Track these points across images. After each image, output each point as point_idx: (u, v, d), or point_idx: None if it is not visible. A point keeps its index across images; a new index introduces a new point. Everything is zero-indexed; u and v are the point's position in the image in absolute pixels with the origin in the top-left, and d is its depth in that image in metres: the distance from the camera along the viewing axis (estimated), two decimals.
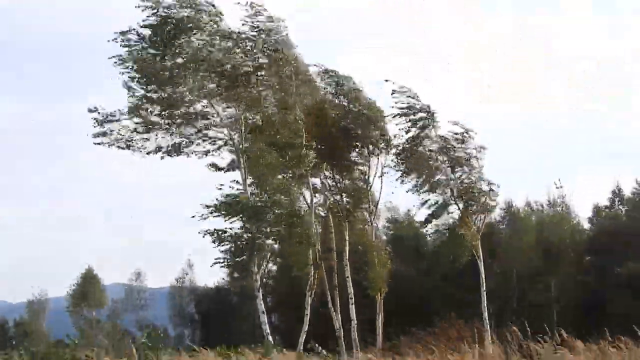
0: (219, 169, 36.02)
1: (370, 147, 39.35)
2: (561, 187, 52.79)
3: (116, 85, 34.50)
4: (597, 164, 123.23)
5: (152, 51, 34.14)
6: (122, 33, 33.35)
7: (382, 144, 39.21)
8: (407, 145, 38.88)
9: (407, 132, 38.76)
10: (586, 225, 52.97)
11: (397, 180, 39.32)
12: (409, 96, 38.35)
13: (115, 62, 33.77)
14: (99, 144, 34.40)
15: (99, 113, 34.20)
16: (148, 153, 35.20)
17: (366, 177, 39.72)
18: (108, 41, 33.55)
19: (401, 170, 39.27)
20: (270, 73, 35.20)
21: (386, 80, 38.40)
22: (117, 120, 34.34)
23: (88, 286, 64.17)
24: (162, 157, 35.61)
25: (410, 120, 38.60)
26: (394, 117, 38.46)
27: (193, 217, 34.36)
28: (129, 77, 33.84)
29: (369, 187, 39.72)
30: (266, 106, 35.36)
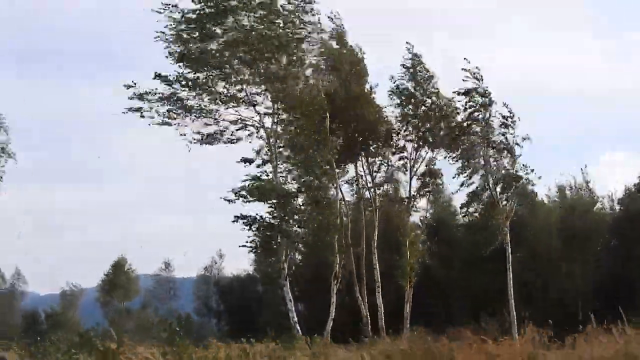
0: (248, 161, 35.95)
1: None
2: (587, 173, 52.68)
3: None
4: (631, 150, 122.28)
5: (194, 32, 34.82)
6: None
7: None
8: (465, 124, 38.75)
9: (464, 111, 38.80)
10: (614, 207, 52.51)
11: (446, 159, 39.62)
12: (476, 77, 38.07)
13: (158, 38, 34.34)
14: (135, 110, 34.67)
15: (135, 86, 34.48)
16: (182, 134, 35.56)
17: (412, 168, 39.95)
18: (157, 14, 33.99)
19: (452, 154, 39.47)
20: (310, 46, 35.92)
21: (465, 59, 38.26)
22: (154, 96, 34.88)
23: (119, 277, 64.30)
24: (199, 143, 35.92)
25: (471, 100, 38.46)
26: (458, 94, 38.59)
27: (221, 198, 34.80)
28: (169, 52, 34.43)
29: (410, 178, 39.94)
30: (297, 85, 35.80)
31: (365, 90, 39.44)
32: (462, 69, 37.66)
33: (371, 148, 39.62)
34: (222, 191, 34.45)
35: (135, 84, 34.26)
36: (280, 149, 36.07)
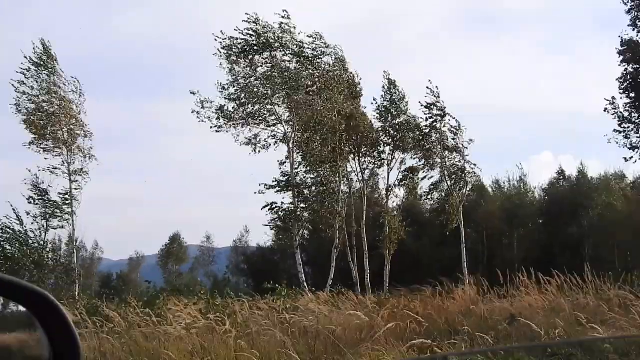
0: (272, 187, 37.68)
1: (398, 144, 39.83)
2: (523, 168, 53.35)
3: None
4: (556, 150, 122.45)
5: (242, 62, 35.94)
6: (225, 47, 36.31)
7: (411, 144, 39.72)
8: (426, 131, 39.02)
9: (426, 120, 39.34)
10: (540, 195, 52.82)
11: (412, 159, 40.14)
12: (435, 95, 38.77)
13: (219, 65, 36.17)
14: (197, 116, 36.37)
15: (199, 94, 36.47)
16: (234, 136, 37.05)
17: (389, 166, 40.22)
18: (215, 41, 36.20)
19: (419, 156, 39.67)
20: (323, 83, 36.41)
21: (429, 80, 39.55)
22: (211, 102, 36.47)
23: (173, 246, 64.73)
24: (241, 144, 37.30)
25: (430, 114, 38.91)
26: (422, 106, 39.20)
27: (255, 193, 36.11)
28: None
29: (388, 174, 40.06)
30: (316, 108, 36.54)
31: (360, 108, 39.65)
32: (426, 87, 38.25)
33: (362, 151, 40.03)
34: (251, 184, 35.76)
35: (198, 91, 35.93)
36: (298, 154, 37.43)
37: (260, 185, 36.90)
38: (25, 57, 34.67)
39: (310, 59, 37.32)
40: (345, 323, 15.66)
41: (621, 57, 34.00)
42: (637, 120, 33.92)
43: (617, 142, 34.33)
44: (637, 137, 33.85)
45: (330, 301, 22.19)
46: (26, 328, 2.50)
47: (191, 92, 36.24)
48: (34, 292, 2.30)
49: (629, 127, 33.92)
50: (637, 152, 34.13)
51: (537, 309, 16.94)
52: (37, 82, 35.12)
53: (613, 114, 34.11)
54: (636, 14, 33.42)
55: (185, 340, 14.50)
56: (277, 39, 36.43)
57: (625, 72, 34.09)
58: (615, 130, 34.07)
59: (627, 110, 33.98)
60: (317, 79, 37.43)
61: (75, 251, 37.63)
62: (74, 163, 35.58)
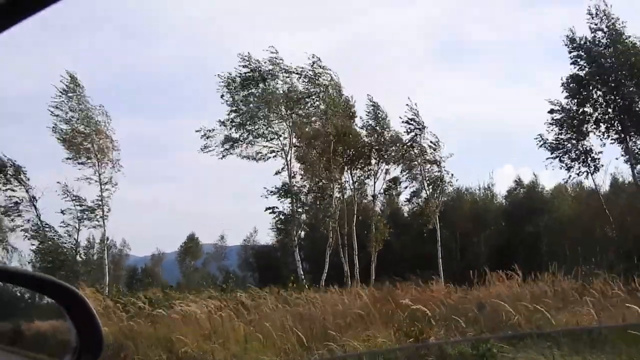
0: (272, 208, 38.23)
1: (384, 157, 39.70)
2: (492, 177, 53.76)
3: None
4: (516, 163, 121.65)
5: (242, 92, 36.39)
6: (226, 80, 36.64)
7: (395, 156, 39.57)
8: (407, 144, 38.55)
9: (407, 134, 38.78)
10: (503, 201, 52.84)
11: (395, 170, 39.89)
12: (414, 112, 38.11)
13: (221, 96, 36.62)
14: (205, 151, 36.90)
15: (203, 130, 36.81)
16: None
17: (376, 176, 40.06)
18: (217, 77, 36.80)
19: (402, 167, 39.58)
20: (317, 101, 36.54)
21: (408, 98, 39.27)
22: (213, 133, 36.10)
23: (190, 244, 64.77)
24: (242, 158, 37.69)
25: (410, 128, 38.40)
26: (402, 122, 38.49)
27: (261, 196, 37.40)
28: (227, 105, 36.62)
29: (374, 183, 40.00)
30: (310, 123, 36.77)
31: (353, 127, 39.51)
32: (406, 104, 38.04)
33: (355, 164, 39.98)
34: (256, 190, 36.06)
35: (203, 128, 36.05)
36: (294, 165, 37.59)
37: (265, 189, 37.38)
38: (56, 87, 35.92)
39: (310, 78, 37.33)
40: (341, 310, 15.60)
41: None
42: (569, 148, 34.13)
43: (553, 167, 34.87)
44: (569, 159, 34.10)
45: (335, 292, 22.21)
46: (58, 317, 2.51)
47: (196, 131, 36.83)
48: (63, 288, 2.34)
49: (561, 154, 34.28)
50: (572, 171, 34.50)
51: (502, 297, 16.86)
52: (69, 107, 36.37)
53: (543, 146, 34.47)
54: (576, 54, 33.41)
55: (200, 324, 14.42)
56: (268, 71, 36.62)
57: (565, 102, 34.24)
58: (548, 158, 34.50)
59: (556, 141, 34.32)
60: (314, 97, 37.46)
61: (105, 248, 38.25)
62: (104, 173, 36.61)
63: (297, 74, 36.56)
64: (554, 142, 34.01)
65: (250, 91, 36.52)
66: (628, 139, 32.73)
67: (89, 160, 36.17)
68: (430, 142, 38.42)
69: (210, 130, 36.53)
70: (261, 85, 36.49)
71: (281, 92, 36.76)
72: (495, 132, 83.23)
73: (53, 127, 35.90)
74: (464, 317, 14.24)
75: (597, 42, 32.49)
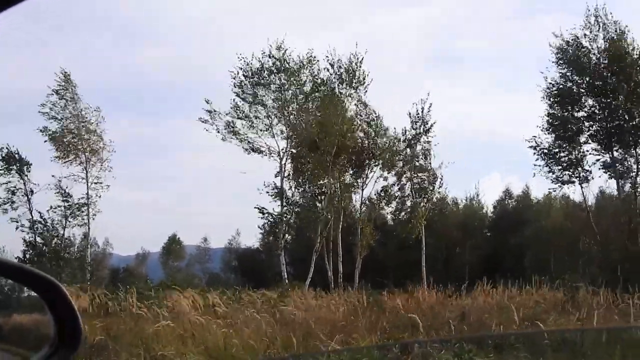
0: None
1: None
2: (478, 187, 53.90)
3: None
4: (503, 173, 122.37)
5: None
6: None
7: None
8: (403, 147, 38.48)
9: (410, 131, 38.53)
10: (491, 211, 53.03)
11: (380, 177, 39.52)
12: (422, 111, 37.92)
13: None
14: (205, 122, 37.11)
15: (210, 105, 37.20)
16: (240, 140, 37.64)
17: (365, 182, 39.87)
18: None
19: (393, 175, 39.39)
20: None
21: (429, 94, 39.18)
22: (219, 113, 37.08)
23: (173, 246, 64.55)
24: (246, 151, 37.82)
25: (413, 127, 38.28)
26: (409, 116, 38.24)
27: (258, 189, 37.64)
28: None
29: (362, 190, 39.79)
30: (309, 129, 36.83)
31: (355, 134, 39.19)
32: (414, 103, 37.73)
33: (349, 171, 39.80)
34: (244, 194, 36.12)
35: (209, 101, 36.38)
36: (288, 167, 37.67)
37: (264, 185, 37.49)
38: (49, 86, 35.82)
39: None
40: (327, 315, 15.54)
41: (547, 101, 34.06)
42: (561, 156, 34.01)
43: (542, 175, 34.52)
44: (559, 171, 33.98)
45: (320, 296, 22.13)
46: (39, 311, 2.48)
47: (206, 101, 36.97)
48: (43, 278, 2.31)
49: (552, 162, 34.07)
50: (561, 179, 34.27)
51: (485, 307, 16.90)
52: (60, 106, 36.36)
53: (538, 152, 34.17)
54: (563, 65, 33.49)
55: (179, 328, 14.30)
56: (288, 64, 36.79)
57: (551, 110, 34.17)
58: (537, 165, 34.19)
59: (550, 148, 34.10)
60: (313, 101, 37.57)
61: (88, 246, 38.29)
62: (91, 172, 36.72)
63: (329, 65, 36.79)
64: (545, 148, 33.82)
65: (265, 80, 36.73)
66: (613, 151, 32.88)
67: (77, 158, 36.33)
68: (423, 148, 38.27)
69: (217, 112, 36.91)
70: (279, 76, 36.69)
71: (294, 89, 37.04)
72: (481, 140, 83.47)
73: (43, 127, 35.92)
74: (447, 325, 14.24)
75: (589, 49, 32.51)
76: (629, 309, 15.16)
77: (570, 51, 32.70)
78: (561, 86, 33.31)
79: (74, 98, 36.46)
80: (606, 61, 31.97)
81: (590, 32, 32.33)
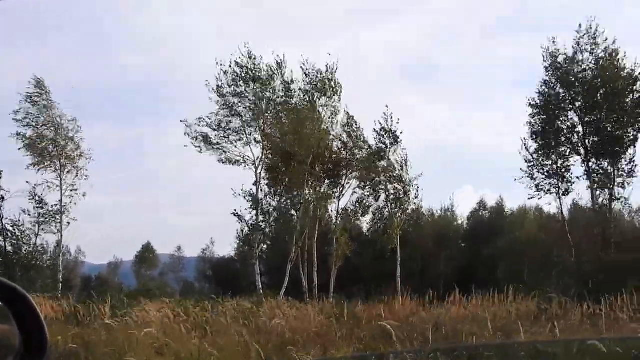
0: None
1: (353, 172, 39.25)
2: (452, 199, 54.10)
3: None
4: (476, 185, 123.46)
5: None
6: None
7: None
8: (374, 158, 38.29)
9: (377, 144, 38.41)
10: (466, 222, 53.32)
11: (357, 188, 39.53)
12: (387, 122, 37.88)
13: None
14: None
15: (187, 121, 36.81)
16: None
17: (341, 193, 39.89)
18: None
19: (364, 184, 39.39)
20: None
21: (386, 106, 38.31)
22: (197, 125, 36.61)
23: (146, 254, 64.10)
24: (221, 162, 37.52)
25: (380, 139, 38.16)
26: (375, 131, 38.16)
27: (234, 193, 37.04)
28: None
29: (339, 200, 39.74)
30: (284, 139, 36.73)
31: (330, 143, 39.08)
32: (383, 113, 37.75)
33: (325, 182, 39.66)
34: (220, 203, 35.88)
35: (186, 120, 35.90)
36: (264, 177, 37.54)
37: (241, 190, 37.28)
38: (20, 94, 35.56)
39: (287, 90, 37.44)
40: (302, 325, 15.47)
41: (533, 110, 34.35)
42: (545, 163, 34.27)
43: (523, 183, 34.61)
44: (542, 178, 34.21)
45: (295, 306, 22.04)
46: (5, 320, 2.38)
47: (181, 121, 36.85)
48: (7, 287, 2.27)
49: (536, 168, 34.27)
50: (541, 192, 34.46)
51: (460, 318, 16.93)
52: (35, 113, 35.99)
53: (524, 155, 34.40)
54: (551, 73, 33.88)
55: (152, 338, 14.15)
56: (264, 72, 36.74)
57: (534, 120, 34.45)
58: (522, 170, 34.33)
59: (535, 153, 34.35)
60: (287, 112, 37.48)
61: (61, 255, 37.78)
62: (66, 179, 36.28)
63: (304, 74, 36.79)
64: (531, 154, 34.03)
65: (239, 90, 36.60)
66: (589, 162, 33.24)
67: (52, 165, 35.97)
68: (400, 158, 38.23)
69: (193, 124, 36.66)
70: (253, 85, 36.56)
71: (268, 97, 36.92)
72: (455, 152, 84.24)
73: (17, 134, 35.54)
74: (421, 336, 14.23)
75: (578, 61, 32.92)
76: (601, 320, 15.30)
77: (561, 62, 33.15)
78: (547, 96, 33.70)
79: (48, 105, 36.15)
80: (597, 80, 32.36)
81: (580, 48, 32.85)
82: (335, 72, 37.15)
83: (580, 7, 77.30)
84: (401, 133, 37.61)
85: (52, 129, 36.27)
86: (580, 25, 32.74)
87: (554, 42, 33.31)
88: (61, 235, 36.33)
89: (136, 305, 19.85)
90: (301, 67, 37.01)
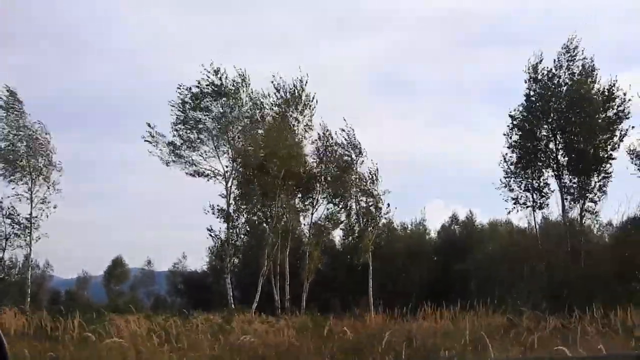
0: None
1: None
2: (424, 213, 54.47)
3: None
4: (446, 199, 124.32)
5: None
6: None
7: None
8: (339, 172, 38.45)
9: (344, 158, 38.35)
10: (436, 236, 53.61)
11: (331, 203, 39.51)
12: (350, 135, 38.05)
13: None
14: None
15: (153, 129, 36.34)
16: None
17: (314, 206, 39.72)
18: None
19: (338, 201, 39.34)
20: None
21: (344, 119, 38.42)
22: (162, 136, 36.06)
23: (116, 268, 63.50)
24: (190, 176, 37.11)
25: (345, 153, 38.17)
26: (338, 145, 38.29)
27: (204, 210, 36.97)
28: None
29: (312, 214, 39.61)
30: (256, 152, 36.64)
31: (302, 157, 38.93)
32: (341, 129, 37.90)
33: (297, 196, 39.53)
34: (191, 216, 35.77)
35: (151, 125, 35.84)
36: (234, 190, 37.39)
37: (209, 206, 37.06)
38: None
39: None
40: (273, 339, 15.45)
41: (512, 123, 34.65)
42: (524, 177, 34.55)
43: (502, 195, 34.85)
44: (520, 191, 34.53)
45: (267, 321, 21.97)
46: None
47: (147, 124, 36.26)
48: None
49: (515, 180, 34.55)
50: (518, 205, 34.74)
51: (431, 331, 17.03)
52: (6, 123, 35.68)
53: (504, 169, 34.68)
54: (530, 91, 34.26)
55: (122, 352, 14.04)
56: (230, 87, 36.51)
57: (512, 133, 34.75)
58: (501, 182, 34.58)
59: (514, 166, 34.64)
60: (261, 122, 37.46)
61: (29, 269, 37.24)
62: (37, 192, 35.87)
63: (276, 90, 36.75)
64: (510, 169, 34.27)
65: (205, 104, 36.33)
66: (562, 178, 33.63)
67: (22, 178, 35.56)
68: (370, 172, 38.33)
69: (160, 135, 36.17)
70: (218, 101, 36.38)
71: (236, 111, 36.68)
72: (425, 167, 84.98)
73: None
74: (393, 351, 14.29)
75: (557, 79, 33.34)
76: (571, 333, 15.47)
77: (540, 78, 33.55)
78: (526, 109, 34.07)
79: (20, 115, 35.82)
80: (574, 97, 32.76)
81: (560, 63, 33.30)
82: (306, 85, 37.27)
83: (552, 25, 78.71)
84: (364, 150, 37.94)
85: (23, 140, 35.92)
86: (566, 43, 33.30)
87: (540, 55, 33.77)
88: (30, 249, 35.86)
89: (106, 320, 19.65)
90: (271, 81, 37.07)
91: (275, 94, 37.43)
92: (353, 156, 38.16)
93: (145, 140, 35.98)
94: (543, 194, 34.27)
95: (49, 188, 36.05)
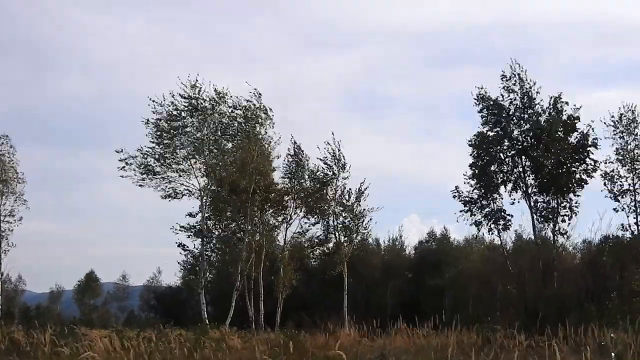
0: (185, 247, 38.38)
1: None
2: (401, 230, 54.76)
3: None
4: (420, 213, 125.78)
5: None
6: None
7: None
8: (318, 187, 38.27)
9: (326, 172, 38.42)
10: (412, 253, 53.84)
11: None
12: (334, 149, 38.02)
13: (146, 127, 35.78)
14: (121, 172, 35.79)
15: (121, 152, 35.85)
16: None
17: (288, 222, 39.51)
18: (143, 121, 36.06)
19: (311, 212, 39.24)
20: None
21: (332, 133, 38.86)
22: (134, 158, 35.56)
23: (89, 283, 62.98)
24: (163, 197, 36.81)
25: (325, 167, 38.21)
26: (319, 159, 38.23)
27: (171, 229, 36.86)
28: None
29: (286, 229, 39.56)
30: (227, 168, 36.50)
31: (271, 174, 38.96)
32: (326, 142, 37.82)
33: (267, 210, 39.28)
34: (165, 230, 35.58)
35: (122, 150, 35.62)
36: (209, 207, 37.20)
37: (177, 225, 36.73)
38: None
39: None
40: (246, 355, 15.39)
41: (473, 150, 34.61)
42: (483, 204, 34.53)
43: (465, 220, 34.80)
44: (481, 215, 34.45)
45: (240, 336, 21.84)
46: None
47: (116, 151, 35.76)
48: None
49: (474, 206, 34.47)
50: (481, 227, 34.69)
51: (404, 348, 17.06)
52: None
53: (459, 199, 34.62)
54: (485, 113, 34.36)
55: None
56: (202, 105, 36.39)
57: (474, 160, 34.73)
58: (461, 211, 34.50)
59: (473, 193, 34.46)
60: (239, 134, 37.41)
61: (0, 284, 36.89)
62: (4, 205, 36.10)
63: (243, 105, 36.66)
64: (467, 196, 34.25)
65: (178, 123, 36.18)
66: (531, 198, 33.77)
67: None
68: (352, 188, 38.27)
69: (132, 157, 35.71)
70: (191, 119, 36.25)
71: (211, 127, 36.58)
72: (400, 183, 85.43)
73: None
74: None
75: (506, 105, 33.48)
76: (543, 351, 15.56)
77: (490, 105, 33.61)
78: (481, 136, 34.08)
79: None
80: (542, 124, 32.90)
81: (507, 89, 33.40)
82: (260, 99, 37.27)
83: (528, 40, 79.80)
84: (346, 163, 37.94)
85: None
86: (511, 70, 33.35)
87: (481, 87, 33.80)
88: (0, 263, 35.62)
89: (77, 334, 19.44)
90: (227, 100, 37.02)
91: (239, 110, 37.51)
92: (335, 171, 38.13)
93: (118, 168, 35.77)
94: (504, 217, 34.22)
95: (16, 200, 35.94)
